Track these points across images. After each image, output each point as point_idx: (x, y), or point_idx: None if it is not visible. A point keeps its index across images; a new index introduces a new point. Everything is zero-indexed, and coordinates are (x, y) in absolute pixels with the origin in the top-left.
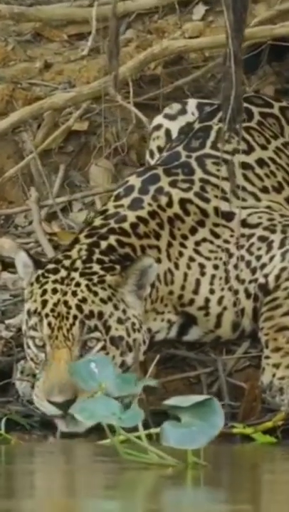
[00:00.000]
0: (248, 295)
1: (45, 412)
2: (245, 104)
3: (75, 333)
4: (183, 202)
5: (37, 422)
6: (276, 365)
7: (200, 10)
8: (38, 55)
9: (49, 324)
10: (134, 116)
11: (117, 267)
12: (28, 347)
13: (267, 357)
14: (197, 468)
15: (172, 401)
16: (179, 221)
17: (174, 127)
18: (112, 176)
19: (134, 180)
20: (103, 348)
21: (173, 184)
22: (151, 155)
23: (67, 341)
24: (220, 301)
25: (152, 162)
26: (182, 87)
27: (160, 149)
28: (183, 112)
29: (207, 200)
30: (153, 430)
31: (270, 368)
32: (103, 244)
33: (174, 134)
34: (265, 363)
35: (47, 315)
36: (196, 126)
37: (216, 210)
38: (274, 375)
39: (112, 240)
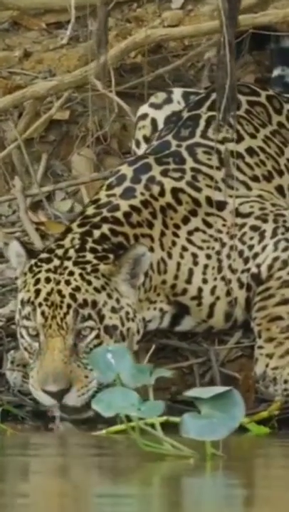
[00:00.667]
0: (240, 285)
1: (40, 401)
2: None
3: (69, 322)
4: (175, 191)
5: (29, 412)
6: (269, 355)
7: None
8: (16, 44)
9: (42, 313)
10: (116, 105)
11: (111, 255)
12: (22, 336)
13: (260, 347)
14: (215, 460)
15: (192, 392)
16: (172, 210)
17: (160, 116)
18: (94, 165)
19: (126, 170)
20: (97, 336)
21: (164, 173)
22: (137, 144)
23: (61, 330)
24: (213, 290)
25: (138, 151)
26: (163, 75)
27: (146, 138)
28: (168, 101)
29: (199, 190)
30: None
31: (263, 358)
32: (96, 233)
33: (160, 123)
34: (258, 353)
35: (40, 304)
36: (185, 115)
37: (208, 199)
38: (267, 365)
39: (105, 228)
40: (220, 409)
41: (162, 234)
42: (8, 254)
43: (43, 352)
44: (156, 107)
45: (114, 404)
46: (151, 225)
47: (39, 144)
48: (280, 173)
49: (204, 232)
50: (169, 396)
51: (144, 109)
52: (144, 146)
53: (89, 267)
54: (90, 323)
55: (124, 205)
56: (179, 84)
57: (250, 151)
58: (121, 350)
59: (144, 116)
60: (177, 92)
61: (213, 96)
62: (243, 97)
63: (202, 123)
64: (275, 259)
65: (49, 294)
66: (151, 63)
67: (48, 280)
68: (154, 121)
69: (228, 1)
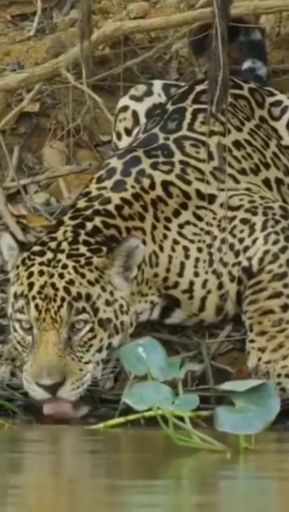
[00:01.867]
0: (231, 278)
1: (34, 395)
2: None
3: (63, 315)
4: (165, 184)
5: (19, 406)
6: (262, 349)
7: None
8: None
9: (36, 307)
10: (88, 97)
11: (104, 248)
12: (15, 330)
13: (252, 340)
14: (247, 454)
15: (227, 385)
16: (162, 204)
17: (141, 109)
18: (66, 157)
19: (116, 163)
20: (91, 330)
21: (154, 166)
22: (119, 136)
23: (54, 323)
24: (204, 284)
25: (120, 143)
26: (131, 67)
27: (127, 131)
28: (149, 93)
29: (188, 183)
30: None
31: (255, 352)
32: (88, 225)
33: (141, 116)
34: (250, 347)
35: (34, 297)
36: (170, 107)
37: (198, 192)
38: (260, 359)
39: (98, 221)
40: (255, 403)
41: (154, 227)
42: (1, 247)
43: (36, 345)
44: (137, 99)
45: (146, 397)
46: (142, 218)
47: (9, 136)
48: (267, 166)
49: (195, 225)
50: None
51: (124, 101)
52: (125, 139)
53: (82, 260)
54: (84, 316)
55: (116, 198)
56: (147, 76)
57: (237, 144)
58: (152, 344)
59: (125, 108)
60: (157, 85)
61: (197, 88)
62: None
63: (188, 116)
64: (266, 252)
65: (42, 287)
66: (119, 55)
67: (41, 273)
68: (135, 114)
69: None
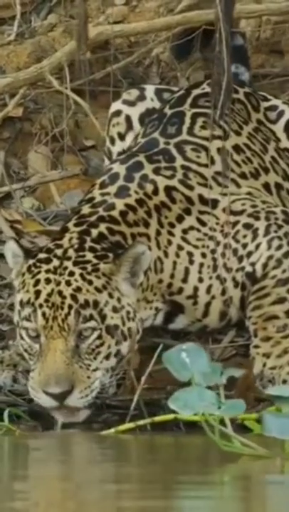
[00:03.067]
0: (235, 284)
1: (41, 403)
2: None
3: (71, 322)
4: (168, 189)
5: (24, 412)
6: (266, 355)
7: None
8: None
9: (43, 314)
10: (71, 101)
11: (110, 254)
12: (22, 338)
13: (256, 346)
14: None
15: (273, 390)
16: (166, 209)
17: (134, 113)
18: (50, 162)
19: (119, 168)
20: (99, 337)
21: (156, 171)
22: (112, 141)
23: (62, 331)
24: (208, 289)
25: (113, 148)
26: (113, 72)
27: (121, 135)
28: (142, 98)
29: (191, 188)
30: (141, 422)
31: (260, 358)
32: (94, 232)
33: (135, 120)
34: (254, 353)
35: (41, 305)
36: (168, 112)
37: (201, 197)
38: (264, 365)
39: (103, 227)
40: None
41: (158, 233)
42: (4, 254)
43: (44, 353)
44: (130, 103)
45: (190, 403)
46: (147, 224)
47: None
48: (266, 171)
49: (198, 230)
50: (165, 395)
51: (117, 105)
52: (119, 143)
53: (89, 267)
54: (92, 323)
55: (120, 204)
56: (127, 81)
57: (237, 148)
58: (196, 349)
59: (118, 113)
60: (150, 89)
61: (195, 92)
62: None
63: (187, 120)
64: (270, 257)
65: (49, 295)
66: (99, 60)
67: (48, 281)
68: (128, 118)
69: None
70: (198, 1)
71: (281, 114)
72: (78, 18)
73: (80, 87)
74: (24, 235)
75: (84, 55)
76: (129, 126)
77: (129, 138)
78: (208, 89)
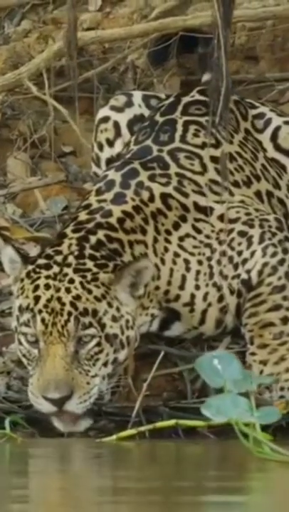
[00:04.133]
0: (231, 291)
1: (40, 409)
2: (204, 98)
3: (70, 329)
4: (164, 197)
5: (21, 419)
6: (263, 362)
7: (96, 1)
8: None
9: (43, 320)
10: (51, 108)
11: (110, 263)
12: (20, 343)
13: (253, 353)
14: None
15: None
16: (162, 216)
17: (122, 119)
18: (30, 168)
19: (114, 175)
20: (98, 344)
21: (152, 178)
22: (100, 147)
23: (62, 337)
24: (205, 297)
25: (102, 155)
26: (88, 78)
27: (109, 142)
28: (129, 104)
29: (186, 195)
30: (142, 428)
31: (257, 365)
32: (92, 239)
33: (123, 127)
34: (251, 360)
35: (40, 311)
36: (159, 119)
37: (196, 204)
38: (262, 372)
39: (101, 234)
40: None
41: (155, 240)
42: (1, 260)
43: (43, 359)
44: (118, 110)
45: (223, 409)
46: (144, 231)
47: None
48: (258, 179)
49: (194, 238)
50: (161, 402)
51: (104, 111)
52: (107, 150)
53: (89, 276)
54: (92, 330)
55: (117, 211)
56: (103, 86)
57: (230, 156)
58: (227, 356)
59: (106, 119)
60: (137, 95)
61: (184, 100)
62: None
63: (179, 128)
64: (265, 264)
65: (49, 300)
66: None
67: (47, 287)
68: (116, 125)
69: (222, 3)
70: (171, 7)
71: (268, 122)
72: (68, 23)
73: (57, 94)
74: (12, 241)
75: (74, 61)
76: (118, 132)
77: (118, 144)
78: (198, 97)
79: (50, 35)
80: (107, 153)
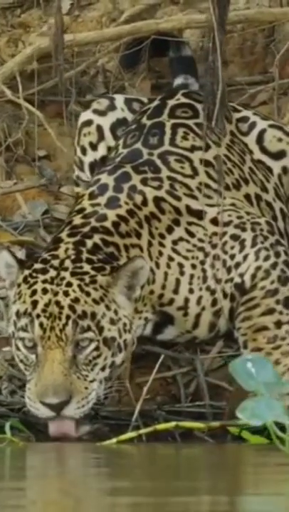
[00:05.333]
0: (224, 295)
1: (37, 414)
2: (189, 101)
3: (68, 333)
4: (157, 200)
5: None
6: None
7: (64, 4)
8: None
9: (41, 325)
10: (26, 111)
11: (107, 266)
12: (18, 348)
13: None
14: None
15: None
16: (156, 220)
17: (105, 123)
18: (5, 172)
19: (107, 179)
20: (96, 348)
21: (144, 182)
22: (83, 151)
23: (60, 341)
24: (199, 301)
25: (85, 158)
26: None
27: (92, 145)
28: (112, 107)
29: (178, 199)
30: (143, 431)
31: None
32: (89, 243)
33: (106, 130)
34: None
35: (38, 315)
36: (147, 122)
37: (188, 208)
38: None
39: (97, 238)
40: None
41: (150, 244)
42: None
43: (41, 364)
44: (100, 113)
45: (258, 412)
46: (139, 235)
47: None
48: (246, 182)
49: (188, 241)
50: (156, 406)
51: (87, 115)
52: (90, 153)
53: (87, 278)
54: (90, 334)
55: (112, 215)
56: (74, 90)
57: (218, 159)
58: (260, 360)
59: (89, 122)
60: (119, 99)
61: (170, 103)
62: (200, 105)
63: (168, 131)
64: (258, 268)
65: (47, 305)
66: (47, 70)
67: (45, 291)
68: (99, 128)
69: (218, 7)
70: (140, 11)
71: (253, 125)
72: (55, 27)
73: (30, 97)
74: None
75: (61, 65)
76: (101, 135)
77: (101, 148)
78: (183, 100)
79: (19, 39)
80: (91, 156)
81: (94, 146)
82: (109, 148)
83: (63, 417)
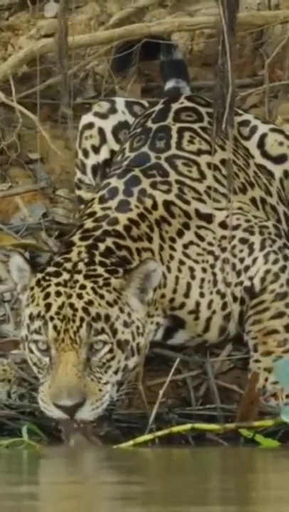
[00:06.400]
0: (234, 298)
1: (51, 416)
2: (193, 104)
3: (82, 335)
4: (167, 204)
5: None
6: (268, 370)
7: (52, 7)
8: None
9: (55, 327)
10: (19, 114)
11: (120, 269)
12: (31, 351)
13: (257, 361)
14: None
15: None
16: (166, 224)
17: (107, 126)
18: None
19: (117, 182)
20: (110, 351)
21: (153, 186)
22: (85, 154)
23: (74, 344)
24: (209, 304)
25: (87, 161)
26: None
27: (95, 148)
28: (113, 110)
29: (188, 202)
30: (160, 433)
31: (262, 372)
32: (101, 246)
33: (108, 133)
34: (255, 367)
35: (52, 318)
36: (152, 126)
37: (197, 211)
38: (266, 380)
39: (110, 242)
40: None
41: (161, 248)
42: (10, 268)
43: (55, 366)
44: (102, 116)
45: None
46: (150, 239)
47: None
48: (252, 185)
49: (198, 245)
50: (167, 409)
51: (88, 118)
52: (93, 156)
53: (100, 281)
54: (104, 336)
55: (123, 219)
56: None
57: (224, 163)
58: None
59: (90, 125)
60: (120, 102)
61: (174, 107)
62: (203, 109)
63: (174, 134)
64: (267, 271)
65: (60, 307)
66: (34, 73)
67: (58, 294)
68: (101, 131)
69: (228, 10)
70: (129, 14)
71: (254, 129)
72: (59, 30)
73: (21, 100)
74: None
75: (66, 69)
76: (103, 138)
77: (104, 151)
78: (187, 103)
79: (8, 42)
80: (93, 159)
81: (96, 149)
82: (112, 151)
83: (77, 419)
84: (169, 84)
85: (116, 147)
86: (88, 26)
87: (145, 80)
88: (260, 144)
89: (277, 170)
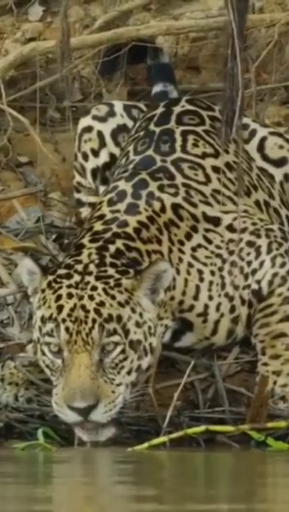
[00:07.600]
0: (242, 301)
1: (64, 419)
2: (194, 108)
3: (95, 337)
4: (175, 207)
5: (35, 429)
6: (276, 373)
7: (37, 10)
8: None
9: (67, 329)
10: (10, 118)
11: (130, 270)
12: (43, 354)
13: (265, 364)
14: None
15: None
16: (174, 227)
17: (106, 129)
18: None
19: (125, 185)
20: (122, 351)
21: (161, 189)
22: (85, 157)
23: (86, 345)
24: (218, 307)
25: (87, 164)
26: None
27: (94, 151)
28: (112, 113)
29: (195, 205)
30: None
31: (270, 376)
32: (112, 248)
33: (107, 136)
34: (263, 370)
35: (64, 320)
36: (155, 129)
37: (204, 215)
38: (275, 383)
39: (120, 244)
40: None
41: (170, 250)
42: (19, 271)
43: (68, 368)
44: (100, 119)
45: None
46: (160, 242)
47: None
48: (255, 188)
49: (206, 248)
50: (176, 412)
51: (87, 121)
52: (92, 159)
53: (112, 282)
54: (116, 337)
55: (133, 221)
56: (53, 97)
57: (229, 166)
58: None
59: (89, 128)
60: (118, 105)
61: (176, 110)
62: (204, 112)
63: (178, 138)
64: (274, 275)
65: (72, 309)
66: (25, 76)
67: (70, 296)
68: (100, 134)
69: (238, 13)
70: (113, 17)
71: (253, 133)
72: (61, 33)
73: (10, 103)
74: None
75: (68, 71)
76: (102, 142)
77: (103, 154)
78: (188, 107)
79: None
80: (93, 163)
81: (96, 153)
82: (111, 155)
83: (90, 421)
84: (157, 88)
85: (115, 150)
86: (73, 29)
87: (131, 83)
88: (260, 147)
89: (278, 173)
